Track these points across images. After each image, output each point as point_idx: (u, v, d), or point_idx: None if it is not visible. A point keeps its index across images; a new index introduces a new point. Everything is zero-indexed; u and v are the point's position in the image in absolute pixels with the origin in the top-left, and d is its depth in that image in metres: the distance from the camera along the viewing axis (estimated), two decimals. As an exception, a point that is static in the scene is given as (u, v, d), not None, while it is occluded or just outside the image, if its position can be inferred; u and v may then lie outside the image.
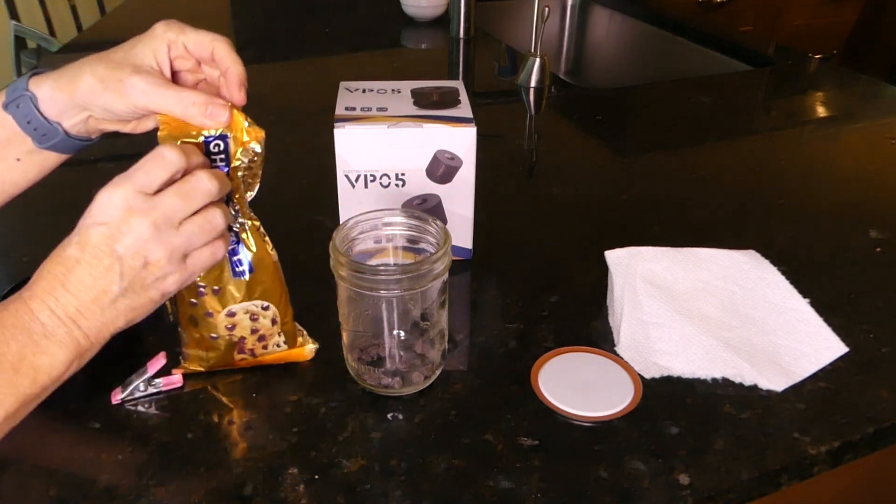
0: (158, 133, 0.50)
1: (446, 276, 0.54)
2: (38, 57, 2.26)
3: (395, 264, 0.58)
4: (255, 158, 0.52)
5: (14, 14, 2.32)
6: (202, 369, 0.57)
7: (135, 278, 0.46)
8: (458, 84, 0.73)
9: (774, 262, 0.68)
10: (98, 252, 0.45)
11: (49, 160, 0.56)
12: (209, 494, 0.48)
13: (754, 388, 0.57)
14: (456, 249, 0.72)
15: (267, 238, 0.54)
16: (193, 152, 0.48)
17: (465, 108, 0.68)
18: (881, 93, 1.21)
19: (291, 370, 0.59)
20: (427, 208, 0.69)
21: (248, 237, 0.53)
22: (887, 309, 0.67)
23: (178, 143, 0.48)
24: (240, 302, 0.54)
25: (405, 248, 0.58)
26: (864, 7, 2.50)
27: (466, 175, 0.68)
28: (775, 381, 0.58)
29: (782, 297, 0.66)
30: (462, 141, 0.66)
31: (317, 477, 0.50)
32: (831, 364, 0.60)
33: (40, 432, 0.53)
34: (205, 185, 0.47)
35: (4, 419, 0.43)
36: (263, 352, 0.57)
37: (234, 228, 0.53)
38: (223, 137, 0.50)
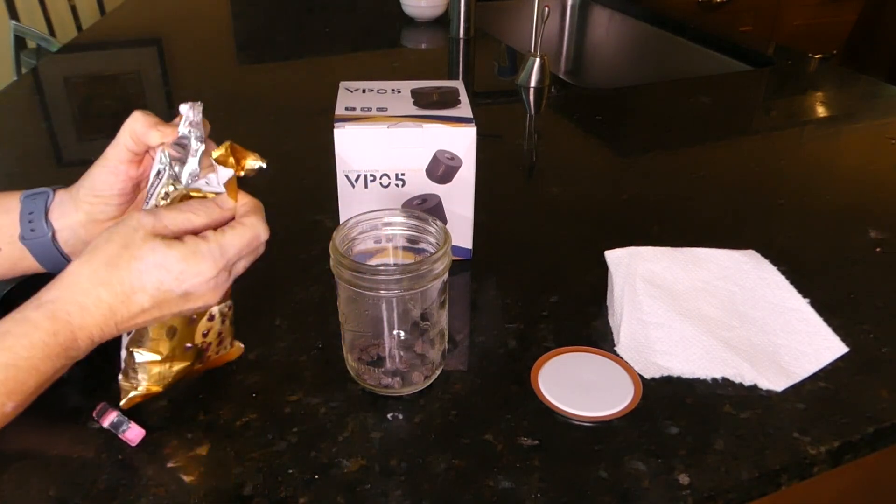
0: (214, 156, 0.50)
1: (446, 276, 0.54)
2: (38, 57, 2.26)
3: (395, 264, 0.58)
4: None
5: (14, 14, 2.32)
6: (160, 389, 0.53)
7: (180, 313, 0.49)
8: (458, 84, 0.73)
9: (774, 262, 0.68)
10: (165, 308, 0.48)
11: (22, 263, 0.57)
12: (209, 494, 0.48)
13: (754, 388, 0.57)
14: (456, 249, 0.72)
15: None
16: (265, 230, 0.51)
17: (465, 108, 0.68)
18: (881, 93, 1.21)
19: (291, 370, 0.59)
20: (427, 208, 0.69)
21: None
22: (887, 309, 0.67)
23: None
24: (218, 304, 0.53)
25: (405, 248, 0.58)
26: (864, 7, 2.50)
27: (466, 175, 0.68)
28: (775, 381, 0.58)
29: (782, 297, 0.66)
30: (462, 141, 0.66)
31: (317, 477, 0.50)
32: (831, 364, 0.60)
33: (40, 432, 0.53)
34: (262, 250, 0.51)
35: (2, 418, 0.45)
36: (216, 355, 0.56)
37: None
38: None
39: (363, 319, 0.56)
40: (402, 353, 0.57)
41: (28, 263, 0.57)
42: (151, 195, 0.51)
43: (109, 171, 0.54)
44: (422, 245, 0.57)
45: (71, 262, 0.50)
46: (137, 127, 0.53)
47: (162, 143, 0.52)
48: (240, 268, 0.50)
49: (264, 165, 0.50)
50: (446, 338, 0.58)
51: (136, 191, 0.57)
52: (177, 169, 0.50)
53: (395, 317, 0.55)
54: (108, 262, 0.46)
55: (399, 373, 0.56)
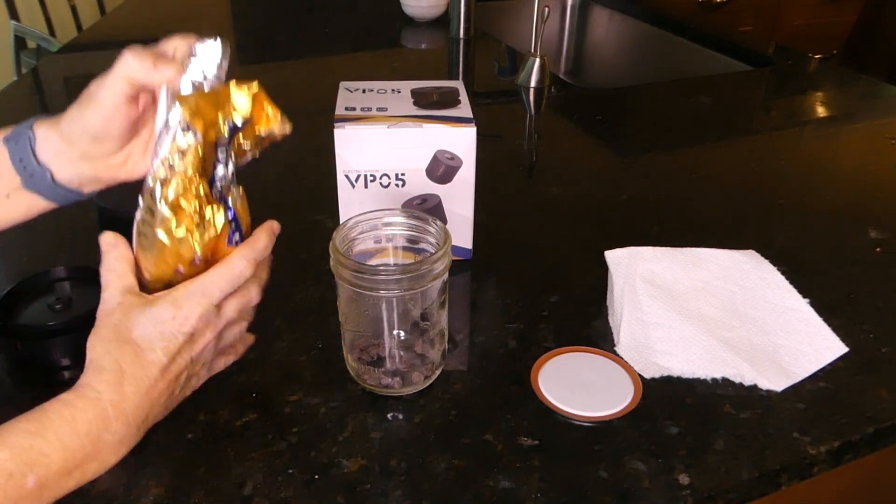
0: (181, 110, 0.48)
1: (446, 276, 0.54)
2: (38, 57, 2.26)
3: (395, 264, 0.58)
4: (265, 137, 0.53)
5: (14, 14, 2.32)
6: None
7: (188, 379, 0.51)
8: (458, 84, 0.73)
9: (774, 262, 0.68)
10: (178, 358, 0.49)
11: (36, 205, 0.56)
12: (209, 494, 0.48)
13: (754, 388, 0.57)
14: (456, 249, 0.72)
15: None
16: (260, 255, 0.52)
17: (465, 108, 0.68)
18: (881, 93, 1.21)
19: (291, 370, 0.59)
20: (427, 208, 0.69)
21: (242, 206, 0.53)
22: (887, 309, 0.67)
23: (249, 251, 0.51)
24: None
25: (405, 248, 0.58)
26: (864, 7, 2.50)
27: (466, 175, 0.68)
28: (775, 381, 0.58)
29: (782, 297, 0.66)
30: (462, 141, 0.66)
31: (317, 477, 0.50)
32: (831, 364, 0.60)
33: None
34: (254, 299, 0.53)
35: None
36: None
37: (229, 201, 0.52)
38: (239, 127, 0.51)
39: (363, 319, 0.56)
40: (402, 353, 0.57)
41: (42, 204, 0.56)
42: (161, 148, 0.49)
43: (105, 115, 0.52)
44: (422, 245, 0.57)
45: (80, 193, 0.55)
46: (134, 72, 0.51)
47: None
48: (230, 313, 0.51)
49: (287, 131, 0.50)
50: (446, 338, 0.58)
51: (137, 127, 0.55)
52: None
53: (395, 317, 0.55)
54: (114, 339, 0.48)
55: (399, 373, 0.56)
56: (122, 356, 0.47)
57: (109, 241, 0.51)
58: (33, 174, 0.54)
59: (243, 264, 0.50)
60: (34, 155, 0.54)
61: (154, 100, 0.54)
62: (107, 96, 0.52)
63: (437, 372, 0.58)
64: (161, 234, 0.49)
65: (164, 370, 0.48)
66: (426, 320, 0.56)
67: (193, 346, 0.49)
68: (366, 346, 0.57)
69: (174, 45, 0.53)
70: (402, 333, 0.56)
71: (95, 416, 0.45)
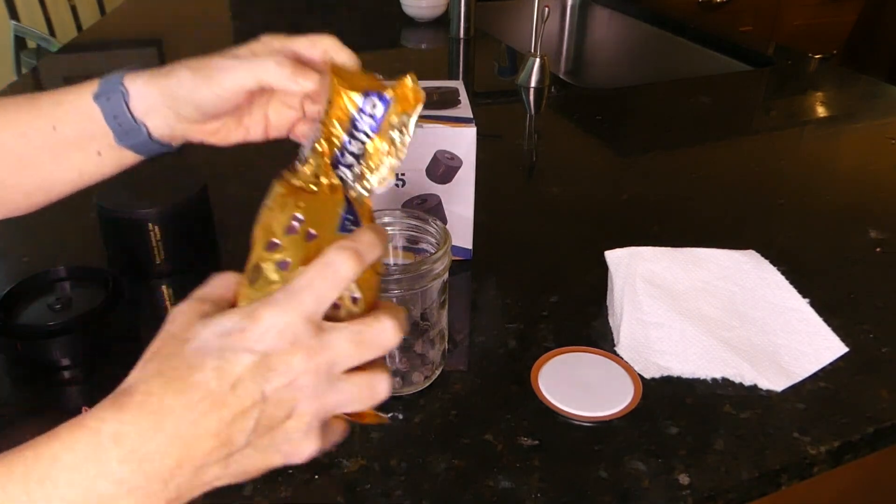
0: (333, 81, 0.43)
1: (446, 276, 0.54)
2: (38, 57, 2.26)
3: (394, 264, 0.58)
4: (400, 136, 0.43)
5: (14, 14, 2.32)
6: None
7: (267, 431, 0.34)
8: (458, 84, 0.73)
9: (774, 262, 0.68)
10: (240, 388, 0.33)
11: (126, 158, 0.54)
12: (209, 494, 0.48)
13: (754, 388, 0.57)
14: (456, 249, 0.72)
15: None
16: (371, 248, 0.37)
17: (465, 108, 0.68)
18: (881, 93, 1.21)
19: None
20: (427, 208, 0.69)
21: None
22: (887, 309, 0.67)
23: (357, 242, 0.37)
24: None
25: (405, 248, 0.58)
26: (864, 7, 2.50)
27: (466, 175, 0.68)
28: (775, 381, 0.58)
29: (782, 297, 0.66)
30: (462, 141, 0.66)
31: (317, 477, 0.50)
32: (831, 364, 0.60)
33: (41, 432, 0.52)
34: (388, 339, 0.36)
35: None
36: None
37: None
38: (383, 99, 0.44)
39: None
40: (402, 354, 0.57)
41: (132, 158, 0.54)
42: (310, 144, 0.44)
43: (221, 98, 0.49)
44: (422, 245, 0.57)
45: (171, 147, 0.49)
46: (270, 78, 0.47)
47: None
48: (340, 342, 0.35)
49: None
50: (446, 338, 0.58)
51: (244, 111, 0.52)
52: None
53: None
54: (163, 354, 0.35)
55: (399, 373, 0.56)
56: (159, 375, 0.33)
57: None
58: (129, 131, 0.52)
59: (340, 256, 0.36)
60: (129, 111, 0.52)
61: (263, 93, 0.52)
62: (230, 82, 0.49)
63: (438, 372, 0.58)
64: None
65: (210, 397, 0.33)
66: (426, 320, 0.56)
67: (268, 376, 0.33)
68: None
69: (321, 46, 0.50)
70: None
71: (85, 455, 0.32)
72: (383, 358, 0.38)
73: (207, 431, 0.33)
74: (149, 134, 0.52)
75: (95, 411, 0.33)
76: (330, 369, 0.35)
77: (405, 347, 0.57)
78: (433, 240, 0.56)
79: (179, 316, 0.36)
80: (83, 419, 0.33)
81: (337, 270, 0.35)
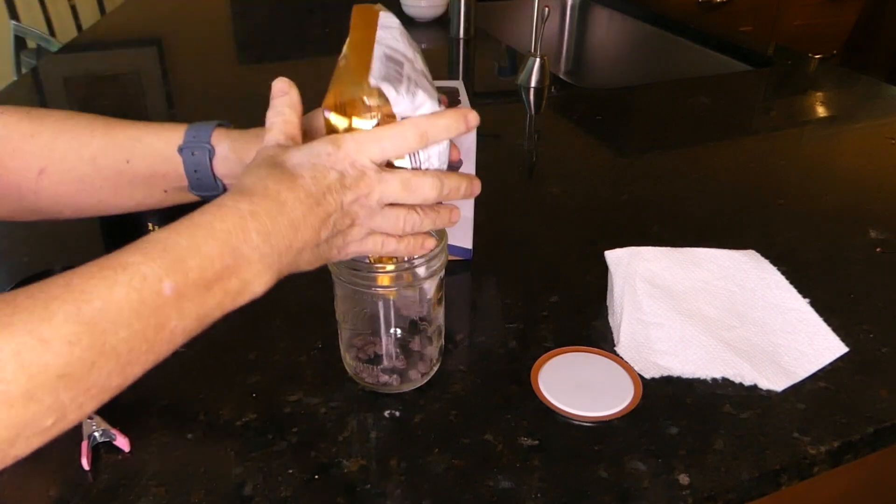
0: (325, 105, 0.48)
1: (443, 273, 0.54)
2: (38, 57, 2.26)
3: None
4: None
5: (14, 14, 2.32)
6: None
7: (336, 233, 0.45)
8: (458, 84, 0.73)
9: (774, 262, 0.68)
10: (328, 195, 0.44)
11: (190, 198, 0.57)
12: (209, 494, 0.48)
13: (754, 388, 0.57)
14: (456, 249, 0.72)
15: None
16: (441, 131, 0.47)
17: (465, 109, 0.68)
18: (881, 93, 1.21)
19: (291, 370, 0.59)
20: (427, 208, 0.68)
21: None
22: (887, 309, 0.67)
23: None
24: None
25: None
26: (864, 7, 2.50)
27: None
28: (775, 381, 0.58)
29: (782, 297, 0.66)
30: (462, 141, 0.65)
31: (317, 477, 0.50)
32: (831, 364, 0.60)
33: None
34: (426, 192, 0.47)
35: (182, 333, 0.39)
36: None
37: None
38: None
39: (360, 318, 0.56)
40: (399, 351, 0.57)
41: (196, 198, 0.57)
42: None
43: None
44: None
45: None
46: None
47: None
48: (394, 185, 0.46)
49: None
50: (443, 335, 0.58)
51: None
52: None
53: (391, 315, 0.55)
54: (263, 164, 0.44)
55: (397, 370, 0.56)
56: (269, 176, 0.43)
57: (281, 87, 0.49)
58: (206, 185, 0.55)
59: (410, 130, 0.45)
60: (211, 169, 0.55)
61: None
62: None
63: (435, 369, 0.58)
64: None
65: (312, 197, 0.43)
66: (423, 318, 0.56)
67: (345, 192, 0.44)
68: (363, 345, 0.57)
69: None
70: (400, 331, 0.56)
71: (234, 224, 0.40)
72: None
73: (309, 223, 0.43)
74: (224, 188, 0.56)
75: (228, 198, 0.42)
76: (381, 199, 0.46)
77: (403, 345, 0.57)
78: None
79: (276, 148, 0.46)
80: (221, 201, 0.42)
81: (405, 139, 0.45)
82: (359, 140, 0.45)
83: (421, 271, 0.52)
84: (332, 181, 0.44)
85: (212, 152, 0.55)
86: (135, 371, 0.38)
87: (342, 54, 0.47)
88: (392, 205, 0.47)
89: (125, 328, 0.36)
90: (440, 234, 0.54)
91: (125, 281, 0.36)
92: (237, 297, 0.41)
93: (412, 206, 0.48)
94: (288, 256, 0.43)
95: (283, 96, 0.49)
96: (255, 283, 0.42)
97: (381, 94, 0.45)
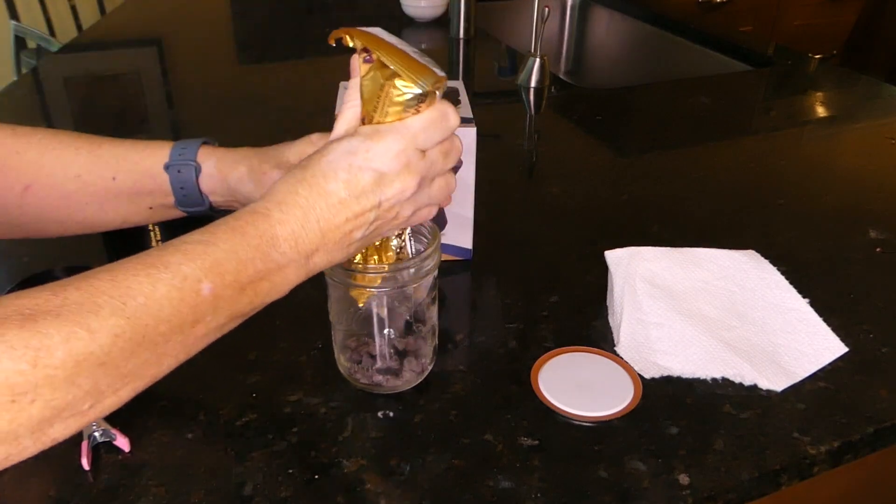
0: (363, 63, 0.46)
1: (436, 272, 0.54)
2: (38, 57, 2.26)
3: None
4: None
5: (14, 14, 2.32)
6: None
7: (379, 227, 0.46)
8: (458, 84, 0.73)
9: (774, 262, 0.68)
10: (363, 198, 0.44)
11: (175, 214, 0.59)
12: (209, 494, 0.48)
13: (754, 388, 0.57)
14: (456, 249, 0.72)
15: None
16: (455, 115, 0.48)
17: (465, 108, 0.68)
18: (881, 93, 1.21)
19: (291, 370, 0.59)
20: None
21: None
22: (887, 309, 0.67)
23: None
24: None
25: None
26: (864, 7, 2.50)
27: (466, 175, 0.68)
28: (775, 381, 0.58)
29: (782, 297, 0.66)
30: (462, 141, 0.65)
31: (317, 477, 0.50)
32: (831, 364, 0.60)
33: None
34: (459, 147, 0.49)
35: (215, 330, 0.42)
36: None
37: None
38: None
39: (354, 319, 0.56)
40: (393, 351, 0.57)
41: (181, 214, 0.59)
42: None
43: None
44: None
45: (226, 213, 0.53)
46: None
47: None
48: (436, 157, 0.47)
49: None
50: (437, 334, 0.58)
51: None
52: None
53: (385, 315, 0.55)
54: (300, 166, 0.45)
55: (391, 371, 0.56)
56: (301, 182, 0.44)
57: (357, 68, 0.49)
58: (192, 201, 0.57)
59: (452, 109, 0.46)
60: (197, 186, 0.57)
61: None
62: None
63: (430, 368, 0.58)
64: None
65: (342, 203, 0.44)
66: (417, 318, 0.56)
67: (384, 188, 0.45)
68: (357, 346, 0.57)
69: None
70: (393, 331, 0.56)
71: (265, 231, 0.42)
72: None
73: (339, 228, 0.44)
74: (210, 205, 0.58)
75: (260, 205, 0.43)
76: (426, 180, 0.47)
77: (396, 345, 0.57)
78: (423, 238, 0.56)
79: (329, 144, 0.46)
80: (254, 208, 0.43)
81: (448, 120, 0.46)
82: (401, 130, 0.45)
83: (414, 272, 0.52)
84: (368, 182, 0.44)
85: (198, 170, 0.56)
86: (169, 362, 0.40)
87: (369, 71, 0.46)
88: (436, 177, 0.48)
89: (165, 323, 0.38)
90: (433, 236, 0.54)
91: (167, 279, 0.38)
92: (266, 297, 0.44)
93: (448, 149, 0.48)
94: (316, 258, 0.45)
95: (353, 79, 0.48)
96: (284, 284, 0.44)
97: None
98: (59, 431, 0.36)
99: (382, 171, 0.44)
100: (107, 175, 0.57)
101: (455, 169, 0.67)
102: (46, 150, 0.57)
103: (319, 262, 0.45)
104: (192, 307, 0.39)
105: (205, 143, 0.58)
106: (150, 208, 0.58)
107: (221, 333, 0.43)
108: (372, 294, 0.53)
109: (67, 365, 0.34)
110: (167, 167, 0.56)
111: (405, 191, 0.45)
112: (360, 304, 0.54)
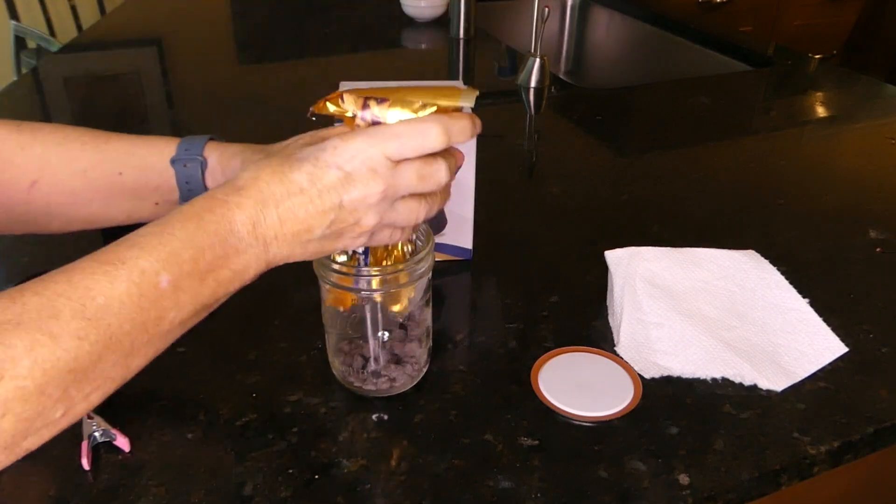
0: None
1: (430, 275, 0.54)
2: (38, 57, 2.26)
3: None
4: None
5: (14, 14, 2.32)
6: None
7: (337, 230, 0.45)
8: (459, 84, 0.73)
9: (774, 262, 0.68)
10: (325, 194, 0.43)
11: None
12: (209, 494, 0.48)
13: (754, 388, 0.57)
14: (456, 249, 0.72)
15: None
16: (457, 134, 0.45)
17: (465, 109, 0.68)
18: (881, 93, 1.21)
19: (291, 370, 0.59)
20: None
21: None
22: (887, 309, 0.67)
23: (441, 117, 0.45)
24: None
25: None
26: (864, 7, 2.50)
27: (466, 175, 0.68)
28: (775, 381, 0.58)
29: (782, 297, 0.66)
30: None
31: (317, 477, 0.50)
32: (831, 364, 0.60)
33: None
34: (442, 177, 0.46)
35: (180, 324, 0.41)
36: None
37: None
38: None
39: (347, 321, 0.56)
40: (386, 354, 0.56)
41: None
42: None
43: None
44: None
45: None
46: None
47: None
48: (408, 173, 0.45)
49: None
50: (431, 336, 0.58)
51: None
52: None
53: (378, 317, 0.55)
54: (267, 154, 0.45)
55: (385, 374, 0.56)
56: (266, 167, 0.43)
57: None
58: (196, 195, 0.56)
59: (435, 127, 0.44)
60: (203, 182, 0.56)
61: None
62: None
63: (424, 371, 0.58)
64: None
65: (304, 193, 0.43)
66: (411, 320, 0.56)
67: (348, 188, 0.43)
68: (350, 349, 0.57)
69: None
70: (387, 334, 0.56)
71: (222, 216, 0.42)
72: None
73: (297, 217, 0.43)
74: None
75: (219, 191, 0.43)
76: (394, 194, 0.45)
77: (390, 348, 0.56)
78: (418, 241, 0.55)
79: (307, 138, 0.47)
80: (212, 194, 0.43)
81: (426, 137, 0.44)
82: (373, 136, 0.44)
83: (408, 275, 0.52)
84: (332, 179, 0.43)
85: (204, 164, 0.56)
86: (137, 362, 0.39)
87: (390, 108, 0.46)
88: (404, 196, 0.46)
89: (128, 322, 0.37)
90: (427, 238, 0.54)
91: (124, 276, 0.38)
92: (229, 286, 0.43)
93: (424, 195, 0.47)
94: (274, 247, 0.44)
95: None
96: (244, 272, 0.43)
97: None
98: (32, 442, 0.36)
99: (347, 170, 0.43)
100: (113, 170, 0.56)
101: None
102: (52, 145, 0.56)
103: (278, 254, 0.44)
104: (153, 302, 0.39)
105: (211, 139, 0.58)
106: (156, 204, 0.57)
107: (187, 328, 0.42)
108: (356, 299, 0.53)
109: (35, 374, 0.33)
110: (173, 161, 0.56)
111: (368, 196, 0.44)
112: (348, 306, 0.54)
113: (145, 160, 0.57)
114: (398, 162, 0.44)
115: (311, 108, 0.48)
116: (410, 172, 0.45)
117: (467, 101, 0.46)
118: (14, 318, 0.34)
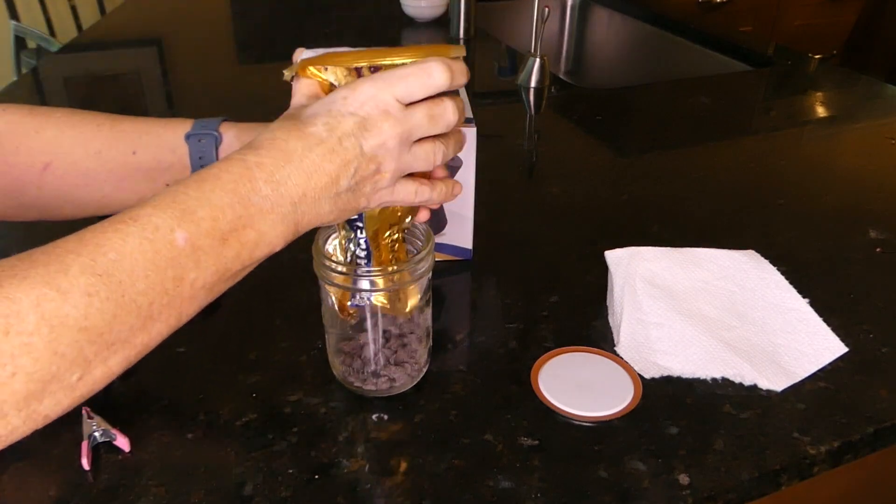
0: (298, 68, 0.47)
1: (430, 275, 0.54)
2: (38, 57, 2.26)
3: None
4: None
5: (14, 14, 2.32)
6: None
7: (361, 180, 0.44)
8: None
9: (774, 262, 0.68)
10: (345, 140, 0.42)
11: None
12: (209, 494, 0.48)
13: (754, 388, 0.57)
14: (456, 249, 0.72)
15: None
16: (458, 74, 0.45)
17: (465, 109, 0.68)
18: (881, 93, 1.21)
19: (291, 370, 0.59)
20: (427, 208, 0.68)
21: None
22: (887, 309, 0.67)
23: (448, 57, 0.46)
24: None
25: None
26: (864, 7, 2.50)
27: (466, 175, 0.68)
28: (775, 381, 0.58)
29: (782, 297, 0.66)
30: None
31: (317, 477, 0.50)
32: (831, 364, 0.60)
33: (40, 432, 0.52)
34: (450, 116, 0.46)
35: (203, 289, 0.40)
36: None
37: None
38: None
39: (347, 322, 0.56)
40: (386, 354, 0.56)
41: None
42: None
43: None
44: (407, 246, 0.57)
45: None
46: None
47: None
48: (420, 114, 0.44)
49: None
50: (431, 336, 0.58)
51: None
52: None
53: (378, 318, 0.55)
54: (278, 120, 0.44)
55: (385, 374, 0.56)
56: (280, 128, 0.43)
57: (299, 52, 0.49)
58: None
59: (439, 65, 0.44)
60: (216, 158, 0.55)
61: None
62: None
63: (424, 371, 0.58)
64: None
65: (324, 144, 0.42)
66: (411, 320, 0.56)
67: (366, 135, 0.43)
68: (350, 349, 0.57)
69: None
70: (387, 335, 0.56)
71: (240, 174, 0.40)
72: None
73: (323, 170, 0.42)
74: None
75: (235, 153, 0.42)
76: (409, 137, 0.44)
77: (390, 348, 0.56)
78: (417, 241, 0.56)
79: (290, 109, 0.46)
80: (229, 156, 0.41)
81: (431, 75, 0.43)
82: (380, 80, 0.43)
83: (409, 275, 0.52)
84: (350, 126, 0.42)
85: (219, 140, 0.55)
86: (159, 328, 0.38)
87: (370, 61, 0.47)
88: (418, 141, 0.46)
89: (142, 279, 0.36)
90: (427, 238, 0.54)
91: (137, 232, 0.37)
92: (255, 250, 0.41)
93: (436, 137, 0.47)
94: (304, 205, 0.42)
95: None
96: (271, 234, 0.42)
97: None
98: (50, 408, 0.34)
99: (362, 115, 0.43)
100: (127, 150, 0.56)
101: (454, 170, 0.67)
102: (66, 126, 0.56)
103: (307, 212, 0.43)
104: (170, 260, 0.37)
105: (225, 120, 0.58)
106: (168, 185, 0.57)
107: (212, 295, 0.41)
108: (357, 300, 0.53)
109: (42, 330, 0.32)
110: (188, 137, 0.55)
111: (387, 140, 0.43)
112: (347, 304, 0.54)
113: (160, 137, 0.56)
114: (408, 105, 0.44)
115: (291, 72, 0.47)
116: (421, 113, 0.44)
117: (459, 53, 0.47)
118: (20, 273, 0.33)
